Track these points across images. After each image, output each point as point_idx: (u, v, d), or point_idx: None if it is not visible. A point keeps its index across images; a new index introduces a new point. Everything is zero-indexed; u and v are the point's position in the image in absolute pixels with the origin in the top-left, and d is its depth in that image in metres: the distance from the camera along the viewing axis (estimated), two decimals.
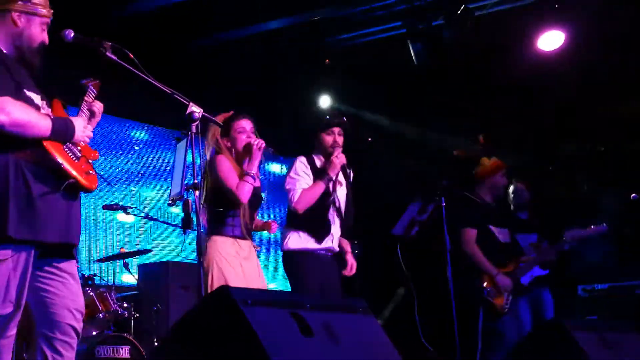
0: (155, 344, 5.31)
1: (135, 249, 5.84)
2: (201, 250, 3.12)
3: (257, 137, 3.89)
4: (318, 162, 4.40)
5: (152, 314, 5.59)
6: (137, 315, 5.38)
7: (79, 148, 2.92)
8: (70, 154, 2.85)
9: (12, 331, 2.77)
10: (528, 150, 6.94)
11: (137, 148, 7.16)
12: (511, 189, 5.50)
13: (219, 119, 3.81)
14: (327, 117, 4.46)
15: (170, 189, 5.70)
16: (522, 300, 5.21)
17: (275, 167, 7.98)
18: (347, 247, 4.53)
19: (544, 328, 3.66)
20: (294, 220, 4.30)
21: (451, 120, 7.25)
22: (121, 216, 6.25)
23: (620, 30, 6.17)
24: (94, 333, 4.97)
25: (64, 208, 2.82)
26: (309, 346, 2.31)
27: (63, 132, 2.82)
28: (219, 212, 3.80)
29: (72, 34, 2.98)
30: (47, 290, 2.84)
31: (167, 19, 6.42)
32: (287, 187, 4.31)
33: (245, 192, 3.73)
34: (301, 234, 4.27)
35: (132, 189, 6.96)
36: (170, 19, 6.44)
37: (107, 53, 3.01)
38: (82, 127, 2.91)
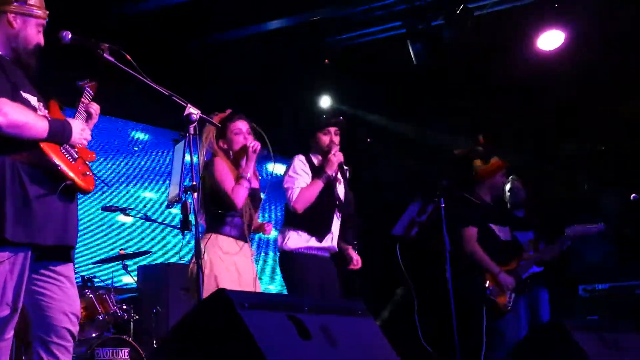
0: (155, 345, 5.30)
1: (135, 251, 5.82)
2: (199, 252, 3.11)
3: (253, 138, 3.89)
4: (316, 161, 4.40)
5: (152, 316, 5.58)
6: (137, 317, 5.36)
7: (75, 149, 2.91)
8: (67, 156, 2.84)
9: (10, 334, 2.76)
10: (528, 150, 6.93)
11: (136, 149, 7.15)
12: (508, 187, 5.50)
13: (216, 119, 3.80)
14: (324, 116, 4.45)
15: (168, 191, 5.69)
16: (522, 300, 5.20)
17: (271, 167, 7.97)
18: (349, 245, 4.52)
19: (544, 328, 3.65)
20: (293, 220, 4.29)
21: (451, 120, 7.25)
22: (120, 217, 6.24)
23: (621, 30, 6.16)
24: (94, 335, 4.95)
25: (61, 210, 2.81)
26: (306, 349, 2.30)
27: (60, 134, 2.81)
28: (216, 212, 3.79)
29: (70, 35, 2.98)
30: (44, 293, 2.84)
31: (167, 19, 6.42)
32: (286, 186, 4.30)
33: (240, 196, 3.72)
34: (301, 233, 4.26)
35: (131, 189, 6.96)
36: (170, 19, 6.43)
37: (105, 55, 3.01)
38: (80, 130, 2.90)
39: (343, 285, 4.45)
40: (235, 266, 3.75)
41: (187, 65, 6.81)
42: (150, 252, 5.81)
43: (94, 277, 5.36)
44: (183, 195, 3.17)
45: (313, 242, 4.27)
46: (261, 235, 4.02)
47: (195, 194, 3.13)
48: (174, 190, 5.52)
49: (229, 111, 3.95)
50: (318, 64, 7.52)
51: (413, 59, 6.48)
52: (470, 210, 5.19)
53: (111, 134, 6.89)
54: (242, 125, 3.92)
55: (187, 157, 3.14)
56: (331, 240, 4.34)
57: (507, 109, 7.07)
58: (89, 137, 2.97)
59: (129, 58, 3.02)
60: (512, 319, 5.06)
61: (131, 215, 5.53)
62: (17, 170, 2.70)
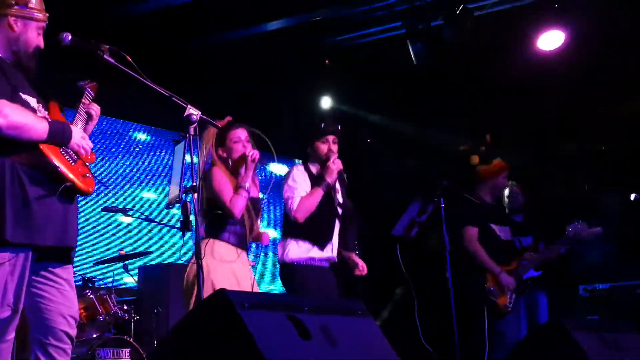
0: (156, 346, 5.30)
1: (135, 251, 5.83)
2: (199, 252, 3.12)
3: (252, 146, 3.89)
4: (314, 169, 4.38)
5: (153, 316, 5.58)
6: (138, 317, 5.37)
7: (75, 150, 2.92)
8: (66, 157, 2.85)
9: (11, 335, 2.77)
10: (528, 150, 6.93)
11: (137, 149, 7.16)
12: (506, 192, 5.49)
13: (213, 130, 3.82)
14: (322, 125, 4.43)
15: (169, 192, 5.69)
16: (523, 301, 5.20)
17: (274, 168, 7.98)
18: (350, 251, 4.51)
19: (544, 328, 3.65)
20: (292, 230, 4.27)
21: (451, 120, 7.25)
22: (121, 218, 6.25)
23: (621, 30, 6.16)
24: (94, 336, 4.95)
25: (61, 211, 2.82)
26: (306, 349, 2.30)
27: (60, 136, 2.81)
28: (215, 219, 3.80)
29: (70, 37, 2.99)
30: (42, 295, 2.84)
31: (167, 19, 6.42)
32: (286, 196, 4.27)
33: (239, 206, 3.73)
34: (301, 243, 4.24)
35: (132, 190, 6.96)
36: (170, 19, 6.44)
37: (105, 56, 3.02)
38: (80, 136, 2.91)
39: (345, 291, 4.45)
40: (233, 272, 3.75)
41: (187, 65, 6.82)
42: (150, 252, 5.82)
43: (95, 277, 5.37)
44: (183, 196, 3.18)
45: (314, 252, 4.25)
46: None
47: (196, 195, 3.14)
48: (174, 191, 5.52)
49: (227, 119, 3.95)
50: (318, 64, 7.52)
51: (413, 59, 6.49)
52: (470, 210, 5.19)
53: (111, 135, 6.89)
54: (241, 133, 3.92)
55: (187, 158, 3.14)
56: (331, 250, 4.32)
57: (507, 109, 7.07)
58: (91, 145, 2.97)
59: (129, 59, 3.02)
60: (512, 319, 5.06)
61: (131, 216, 5.54)
62: (16, 171, 2.70)
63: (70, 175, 2.81)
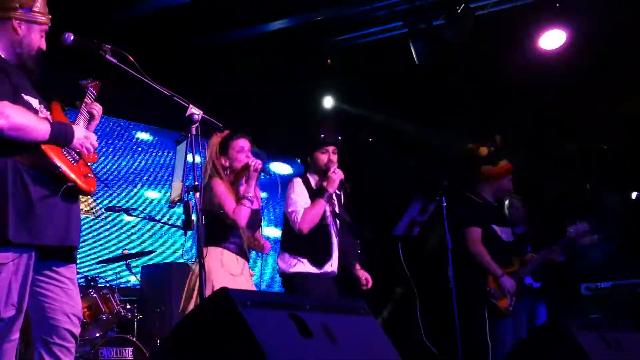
0: (158, 344, 5.31)
1: (138, 251, 5.85)
2: (201, 251, 3.13)
3: (254, 157, 3.91)
4: (313, 181, 4.38)
5: (155, 316, 5.60)
6: (140, 316, 5.38)
7: (77, 151, 2.93)
8: (68, 157, 2.86)
9: (15, 335, 2.77)
10: (529, 150, 6.93)
11: (139, 149, 7.18)
12: (506, 203, 5.47)
13: (216, 139, 3.84)
14: (322, 135, 4.43)
15: (170, 192, 5.72)
16: (524, 304, 5.19)
17: (275, 167, 8.00)
18: (353, 263, 4.50)
19: (544, 328, 3.65)
20: (292, 245, 4.28)
21: (452, 120, 7.24)
22: (125, 217, 6.27)
23: (622, 29, 6.15)
24: (98, 335, 4.97)
25: (64, 211, 2.83)
26: (308, 347, 2.30)
27: (62, 136, 2.83)
28: (217, 228, 3.82)
29: (72, 37, 3.00)
30: (46, 294, 2.85)
31: (167, 20, 6.43)
32: (289, 210, 4.26)
33: (242, 216, 3.76)
34: (301, 259, 4.24)
35: (135, 190, 6.98)
36: (170, 19, 6.44)
37: (107, 56, 3.03)
38: (83, 136, 2.92)
39: (348, 288, 4.45)
40: (233, 278, 3.76)
41: (187, 65, 6.83)
42: (153, 251, 5.84)
43: (98, 277, 5.39)
44: (185, 195, 3.20)
45: (314, 268, 4.25)
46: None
47: (197, 194, 3.15)
48: (176, 190, 5.55)
49: (227, 132, 3.97)
50: (320, 65, 7.53)
51: (415, 59, 6.49)
52: (473, 210, 5.18)
53: (114, 134, 6.91)
54: (243, 143, 3.96)
55: (189, 157, 3.16)
56: (331, 265, 4.31)
57: (508, 108, 7.06)
58: (96, 144, 2.98)
59: (131, 59, 3.04)
60: (512, 322, 5.05)
61: (134, 216, 5.56)
62: (19, 172, 2.71)
63: (72, 176, 2.82)
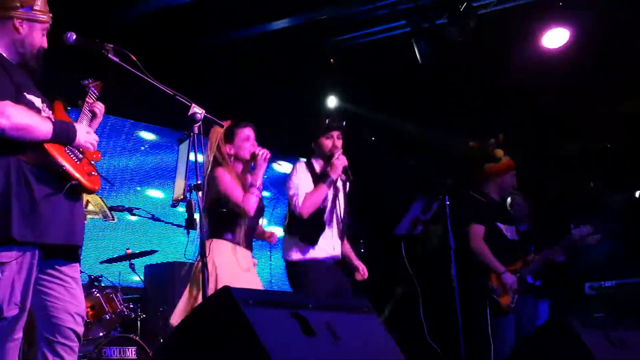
0: (161, 343, 5.31)
1: (141, 250, 5.85)
2: (204, 250, 3.13)
3: (259, 146, 3.91)
4: (317, 166, 4.39)
5: (159, 315, 5.60)
6: (144, 316, 5.38)
7: (80, 149, 2.93)
8: (72, 156, 2.86)
9: (19, 334, 2.78)
10: (532, 149, 6.92)
11: (142, 148, 7.19)
12: (509, 200, 5.47)
13: (219, 128, 3.83)
14: (326, 120, 4.44)
15: (173, 191, 5.72)
16: (527, 302, 5.18)
17: (276, 167, 8.01)
18: (352, 254, 4.52)
19: (548, 326, 3.64)
20: (294, 229, 4.28)
21: (454, 119, 7.24)
22: (129, 216, 6.28)
23: (625, 27, 6.13)
24: (101, 334, 4.97)
25: (67, 210, 2.83)
26: (310, 346, 2.30)
27: (65, 135, 2.83)
28: (220, 219, 3.81)
29: (74, 37, 3.00)
30: (49, 294, 2.86)
31: (168, 20, 6.43)
32: (290, 193, 4.28)
33: (251, 204, 3.77)
34: (303, 243, 4.25)
35: (138, 189, 6.99)
36: (171, 20, 6.45)
37: (110, 55, 3.03)
38: (85, 133, 2.92)
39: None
40: (236, 270, 3.76)
41: (188, 65, 6.83)
42: (156, 251, 5.84)
43: (101, 276, 5.38)
44: (188, 194, 3.20)
45: (316, 252, 4.26)
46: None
47: (200, 193, 3.15)
48: (178, 189, 5.55)
49: (229, 122, 3.96)
50: (322, 64, 7.53)
51: (418, 58, 6.48)
52: (476, 208, 5.18)
53: (116, 133, 6.92)
54: (249, 132, 3.95)
55: (192, 156, 3.16)
56: (333, 248, 4.33)
57: (511, 107, 7.06)
58: (96, 141, 2.99)
59: (134, 58, 3.04)
60: (514, 319, 5.05)
61: (138, 215, 5.56)
62: (22, 171, 2.72)
63: (76, 174, 2.82)
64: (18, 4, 2.88)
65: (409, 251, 4.74)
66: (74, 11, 4.36)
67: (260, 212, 3.98)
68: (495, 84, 6.98)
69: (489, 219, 5.14)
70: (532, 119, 7.06)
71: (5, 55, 2.88)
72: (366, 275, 4.46)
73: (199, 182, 3.15)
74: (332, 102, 7.71)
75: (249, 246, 3.91)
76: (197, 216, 3.18)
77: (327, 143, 4.36)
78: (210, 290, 3.43)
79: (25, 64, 2.92)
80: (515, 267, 5.11)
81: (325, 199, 4.27)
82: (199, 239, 3.20)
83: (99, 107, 3.14)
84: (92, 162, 2.97)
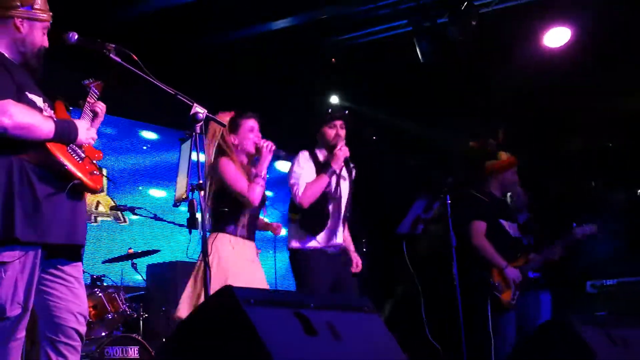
0: (163, 342, 5.32)
1: (144, 250, 5.86)
2: (206, 249, 3.14)
3: (262, 137, 3.92)
4: (321, 156, 4.40)
5: (161, 314, 5.61)
6: (146, 315, 5.40)
7: (82, 149, 2.94)
8: (74, 155, 2.87)
9: (21, 333, 2.78)
10: (534, 148, 6.91)
11: (144, 148, 7.19)
12: (509, 194, 5.46)
13: (221, 117, 3.82)
14: (329, 110, 4.46)
15: (175, 190, 5.73)
16: (528, 299, 5.18)
17: (279, 165, 8.00)
18: (351, 245, 4.53)
19: (549, 324, 3.64)
20: (297, 218, 4.29)
21: (457, 118, 7.24)
22: (131, 216, 6.29)
23: (626, 27, 6.13)
24: (103, 334, 4.98)
25: (70, 209, 2.84)
26: (312, 345, 2.30)
27: (66, 134, 2.83)
28: (223, 211, 3.82)
29: (76, 36, 3.00)
30: (52, 293, 2.86)
31: (168, 19, 6.43)
32: (291, 182, 4.29)
33: (256, 194, 3.77)
34: (305, 231, 4.27)
35: (140, 188, 7.00)
36: (171, 19, 6.45)
37: (111, 55, 3.03)
38: (86, 129, 2.93)
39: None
40: (242, 262, 3.77)
41: (188, 65, 6.83)
42: (158, 250, 5.85)
43: (104, 276, 5.40)
44: (190, 194, 3.20)
45: (318, 240, 4.28)
46: (271, 232, 4.05)
47: (202, 192, 3.16)
48: (180, 189, 5.55)
49: (232, 113, 3.97)
50: (322, 64, 7.53)
51: (420, 57, 6.48)
52: (477, 206, 5.17)
53: (118, 133, 6.93)
54: (253, 123, 3.96)
55: (194, 156, 3.16)
56: (336, 237, 4.34)
57: (513, 105, 7.05)
58: (95, 137, 3.01)
59: (135, 58, 3.04)
60: (514, 316, 5.05)
61: (140, 215, 5.57)
62: (24, 170, 2.72)
63: (78, 174, 2.82)
64: (18, 3, 2.88)
65: (410, 250, 4.74)
66: (74, 10, 4.37)
67: (261, 201, 3.98)
68: (496, 82, 6.97)
69: (491, 216, 5.14)
70: (533, 118, 7.06)
71: (6, 55, 2.88)
72: (359, 268, 4.47)
73: (200, 181, 3.15)
74: (334, 101, 7.71)
75: (251, 236, 3.92)
76: (199, 215, 3.18)
77: (330, 132, 4.37)
78: (219, 283, 3.45)
79: (27, 63, 2.93)
80: (517, 264, 5.11)
81: (329, 188, 4.28)
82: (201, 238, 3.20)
83: (101, 107, 3.14)
84: (94, 162, 2.98)
